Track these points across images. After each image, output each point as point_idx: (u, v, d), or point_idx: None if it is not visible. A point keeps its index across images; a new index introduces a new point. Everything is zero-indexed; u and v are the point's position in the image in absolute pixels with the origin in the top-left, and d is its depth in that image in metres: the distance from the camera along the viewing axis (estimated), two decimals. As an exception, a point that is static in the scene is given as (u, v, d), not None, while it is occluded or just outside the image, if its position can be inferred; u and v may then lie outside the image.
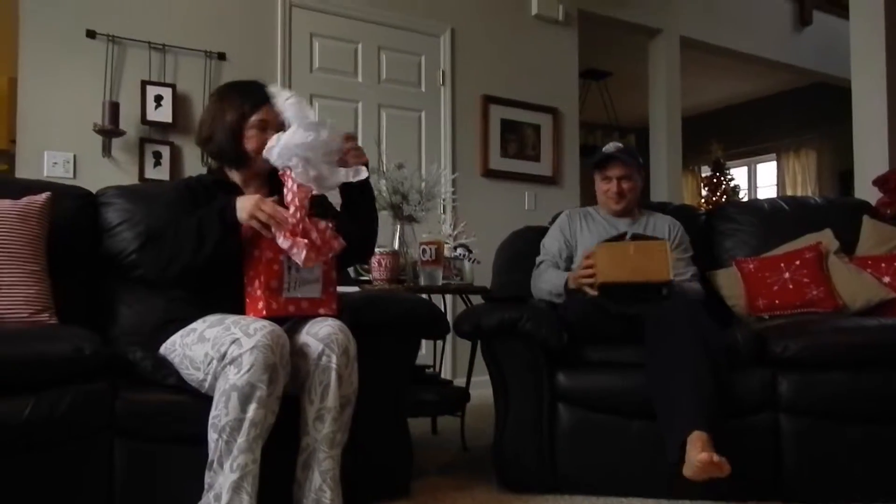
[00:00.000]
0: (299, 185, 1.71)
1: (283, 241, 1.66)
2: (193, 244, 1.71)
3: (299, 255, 1.65)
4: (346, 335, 1.73)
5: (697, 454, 1.71)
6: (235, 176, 1.96)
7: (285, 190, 1.74)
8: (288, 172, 1.73)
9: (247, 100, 1.88)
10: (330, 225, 1.75)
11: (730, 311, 2.58)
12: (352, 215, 1.94)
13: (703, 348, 1.94)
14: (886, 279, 2.45)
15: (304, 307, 1.77)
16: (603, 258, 2.17)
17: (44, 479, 1.60)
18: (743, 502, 2.00)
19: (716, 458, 1.69)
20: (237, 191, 1.94)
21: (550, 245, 2.55)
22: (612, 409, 2.11)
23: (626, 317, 2.15)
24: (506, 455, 2.18)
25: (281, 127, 1.84)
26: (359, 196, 1.95)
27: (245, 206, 1.70)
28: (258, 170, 1.92)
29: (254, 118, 1.87)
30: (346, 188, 1.91)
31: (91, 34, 3.42)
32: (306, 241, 1.66)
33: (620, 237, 2.30)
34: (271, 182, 1.96)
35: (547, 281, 2.43)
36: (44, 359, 1.59)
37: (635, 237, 2.28)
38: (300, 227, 1.68)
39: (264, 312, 1.70)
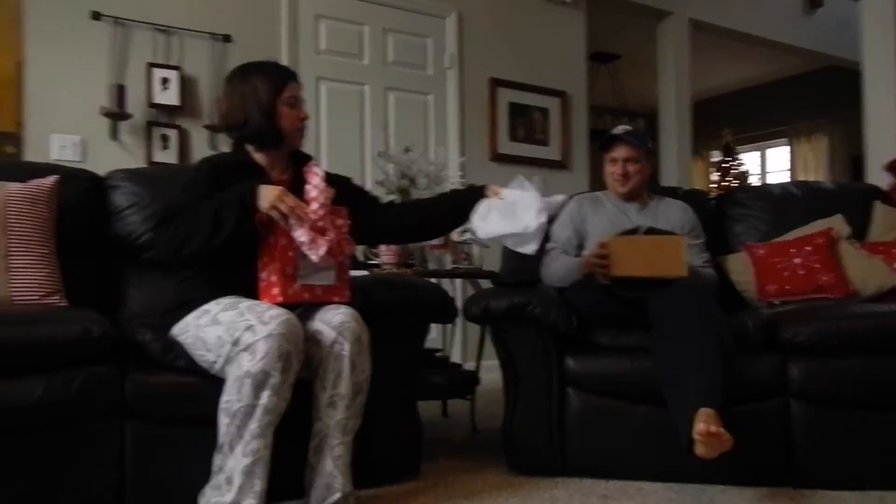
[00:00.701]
0: (325, 186, 1.71)
1: (300, 234, 1.66)
2: (210, 228, 1.70)
3: (317, 251, 1.65)
4: (359, 323, 1.74)
5: (698, 426, 1.70)
6: (260, 157, 1.94)
7: (309, 186, 1.73)
8: (314, 170, 1.73)
9: (274, 78, 1.88)
10: (346, 224, 1.76)
11: (740, 297, 2.56)
12: (442, 215, 1.99)
13: (710, 331, 1.93)
14: (898, 265, 2.43)
15: (318, 294, 1.77)
16: (617, 251, 2.14)
17: (55, 461, 1.61)
18: (753, 487, 2.00)
19: (713, 428, 1.67)
20: (260, 172, 1.92)
21: (560, 233, 2.53)
22: (621, 393, 2.11)
23: (634, 301, 2.14)
24: (515, 438, 2.18)
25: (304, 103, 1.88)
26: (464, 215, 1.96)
27: (267, 195, 1.69)
28: (289, 149, 1.92)
29: (286, 95, 1.87)
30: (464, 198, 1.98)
31: (96, 16, 3.40)
32: (327, 238, 1.67)
33: (634, 231, 2.28)
34: (295, 164, 1.96)
35: (560, 266, 2.41)
36: (53, 341, 1.60)
37: (650, 231, 2.26)
38: (319, 223, 1.68)
39: (280, 298, 1.70)
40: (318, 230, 1.69)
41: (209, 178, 1.84)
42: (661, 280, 2.10)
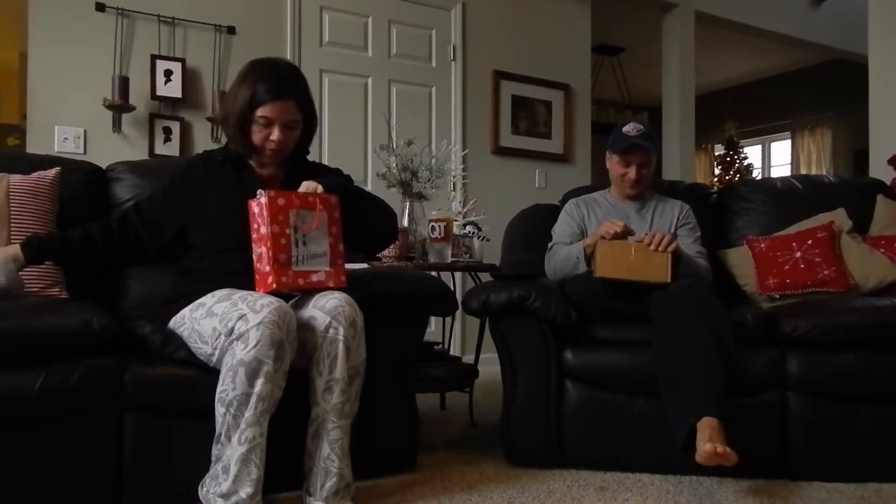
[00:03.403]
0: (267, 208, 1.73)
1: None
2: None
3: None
4: (353, 307, 1.74)
5: (704, 444, 1.69)
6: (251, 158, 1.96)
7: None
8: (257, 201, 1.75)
9: (260, 89, 1.84)
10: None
11: (740, 291, 2.56)
12: (358, 220, 1.92)
13: (712, 331, 1.92)
14: (900, 259, 2.43)
15: (312, 280, 1.77)
16: (604, 255, 2.16)
17: (54, 452, 1.62)
18: (750, 479, 2.00)
19: (720, 448, 1.67)
20: (250, 170, 1.95)
21: (562, 231, 2.52)
22: (619, 386, 2.11)
23: (634, 296, 2.14)
24: (513, 431, 2.19)
25: (288, 124, 1.86)
26: (352, 205, 1.91)
27: None
28: (267, 162, 1.92)
29: (258, 114, 1.85)
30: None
31: (100, 7, 3.40)
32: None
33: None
34: (288, 166, 1.97)
35: (561, 256, 2.38)
36: (53, 332, 1.60)
37: None
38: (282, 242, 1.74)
39: (274, 286, 1.70)
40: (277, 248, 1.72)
41: (181, 182, 1.97)
42: (645, 285, 2.11)
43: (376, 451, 2.00)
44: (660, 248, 2.13)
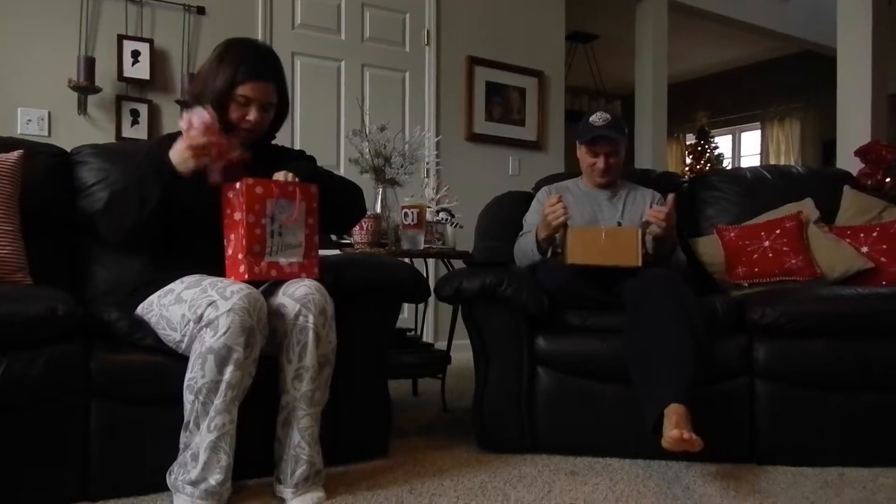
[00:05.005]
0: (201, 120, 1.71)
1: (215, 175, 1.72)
2: (137, 206, 1.72)
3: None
4: (323, 295, 1.72)
5: (670, 430, 1.71)
6: None
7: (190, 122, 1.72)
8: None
9: (240, 69, 1.82)
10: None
11: (710, 278, 2.59)
12: (328, 203, 1.88)
13: (684, 319, 1.94)
14: (865, 249, 2.48)
15: (286, 272, 1.75)
16: (574, 240, 2.19)
17: (19, 441, 1.58)
18: (717, 464, 2.04)
19: (686, 434, 1.69)
20: None
21: (532, 219, 2.53)
22: (591, 373, 2.13)
23: (606, 284, 2.16)
24: (485, 417, 2.20)
25: (265, 105, 1.84)
26: (324, 190, 1.86)
27: (179, 157, 1.70)
28: (241, 141, 1.89)
29: (238, 92, 1.82)
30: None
31: (65, -15, 3.31)
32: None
33: None
34: (255, 149, 1.93)
35: (524, 243, 2.41)
36: (15, 319, 1.56)
37: None
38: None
39: (246, 276, 1.68)
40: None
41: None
42: (615, 270, 2.13)
43: (349, 438, 1.99)
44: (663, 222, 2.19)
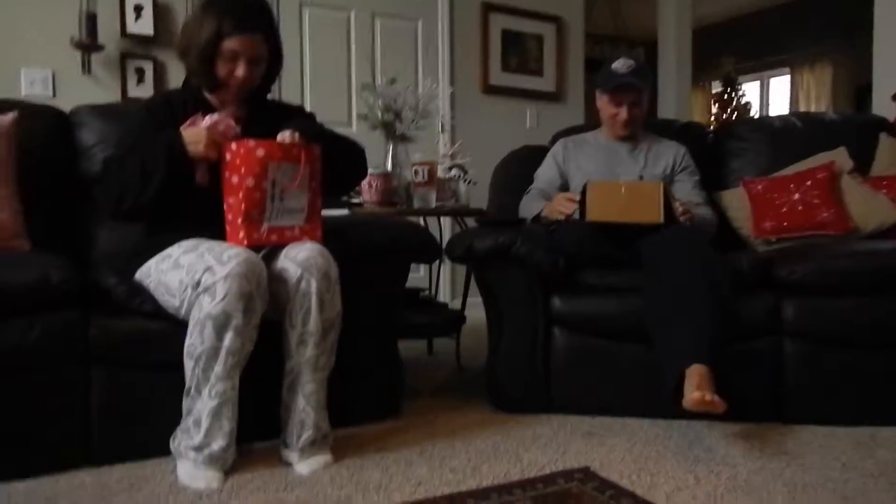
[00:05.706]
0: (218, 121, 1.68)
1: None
2: (139, 183, 1.65)
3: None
4: (326, 258, 1.66)
5: (692, 392, 1.66)
6: (211, 96, 1.84)
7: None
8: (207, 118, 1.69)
9: (226, 22, 1.71)
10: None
11: (735, 234, 2.49)
12: (331, 165, 1.80)
13: (706, 277, 1.87)
14: (901, 200, 2.35)
15: (287, 237, 1.69)
16: (594, 196, 2.07)
17: (21, 408, 1.57)
18: (741, 423, 1.97)
19: (708, 396, 1.64)
20: (212, 109, 1.83)
21: (543, 173, 2.45)
22: (607, 332, 2.06)
23: (624, 241, 2.07)
24: (499, 378, 2.15)
25: (254, 60, 1.74)
26: (327, 151, 1.78)
27: (194, 140, 1.63)
28: (231, 97, 1.80)
29: (226, 46, 1.72)
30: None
31: (63, -62, 3.20)
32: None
33: None
34: (250, 106, 1.85)
35: (525, 209, 2.36)
36: (7, 287, 1.53)
37: None
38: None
39: (245, 242, 1.62)
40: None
41: (151, 122, 1.77)
42: (639, 227, 2.03)
43: (358, 400, 1.96)
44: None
